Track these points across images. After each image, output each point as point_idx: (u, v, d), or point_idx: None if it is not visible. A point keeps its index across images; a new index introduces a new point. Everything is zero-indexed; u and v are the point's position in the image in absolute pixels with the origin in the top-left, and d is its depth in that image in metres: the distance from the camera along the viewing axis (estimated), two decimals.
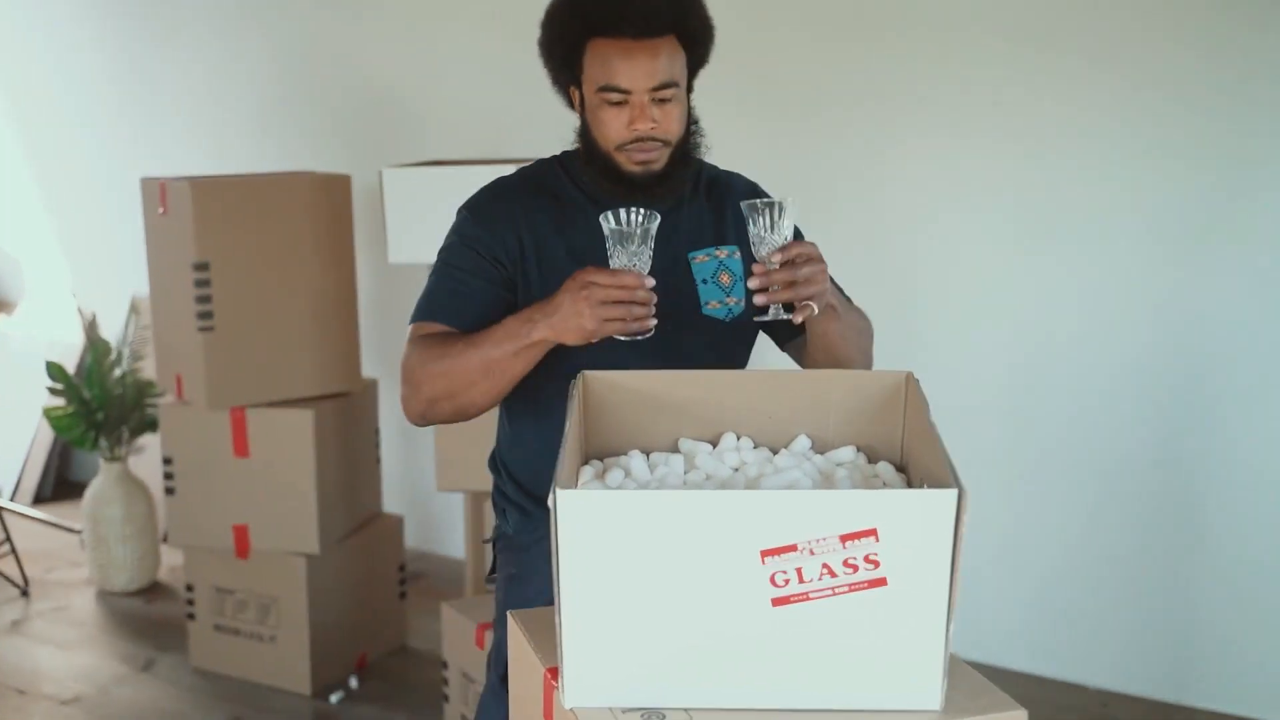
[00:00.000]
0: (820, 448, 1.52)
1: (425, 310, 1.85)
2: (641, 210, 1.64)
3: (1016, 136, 3.10)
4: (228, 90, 4.33)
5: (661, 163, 1.81)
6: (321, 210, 3.25)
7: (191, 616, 3.40)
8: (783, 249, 1.63)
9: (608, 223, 1.63)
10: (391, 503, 3.85)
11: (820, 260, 1.65)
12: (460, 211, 1.92)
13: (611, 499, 1.21)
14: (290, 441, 3.19)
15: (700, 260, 1.91)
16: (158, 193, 3.17)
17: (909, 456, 1.45)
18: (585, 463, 1.50)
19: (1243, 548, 3.02)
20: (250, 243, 3.14)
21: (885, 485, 1.41)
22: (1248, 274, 2.91)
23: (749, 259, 1.80)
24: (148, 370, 3.94)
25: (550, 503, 1.21)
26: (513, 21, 3.72)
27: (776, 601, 1.21)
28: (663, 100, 1.76)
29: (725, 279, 1.90)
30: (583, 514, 1.20)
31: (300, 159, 3.98)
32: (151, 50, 4.50)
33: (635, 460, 1.47)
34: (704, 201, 1.94)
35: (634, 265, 1.62)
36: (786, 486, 1.36)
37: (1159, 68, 2.92)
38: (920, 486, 1.36)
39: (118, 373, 3.91)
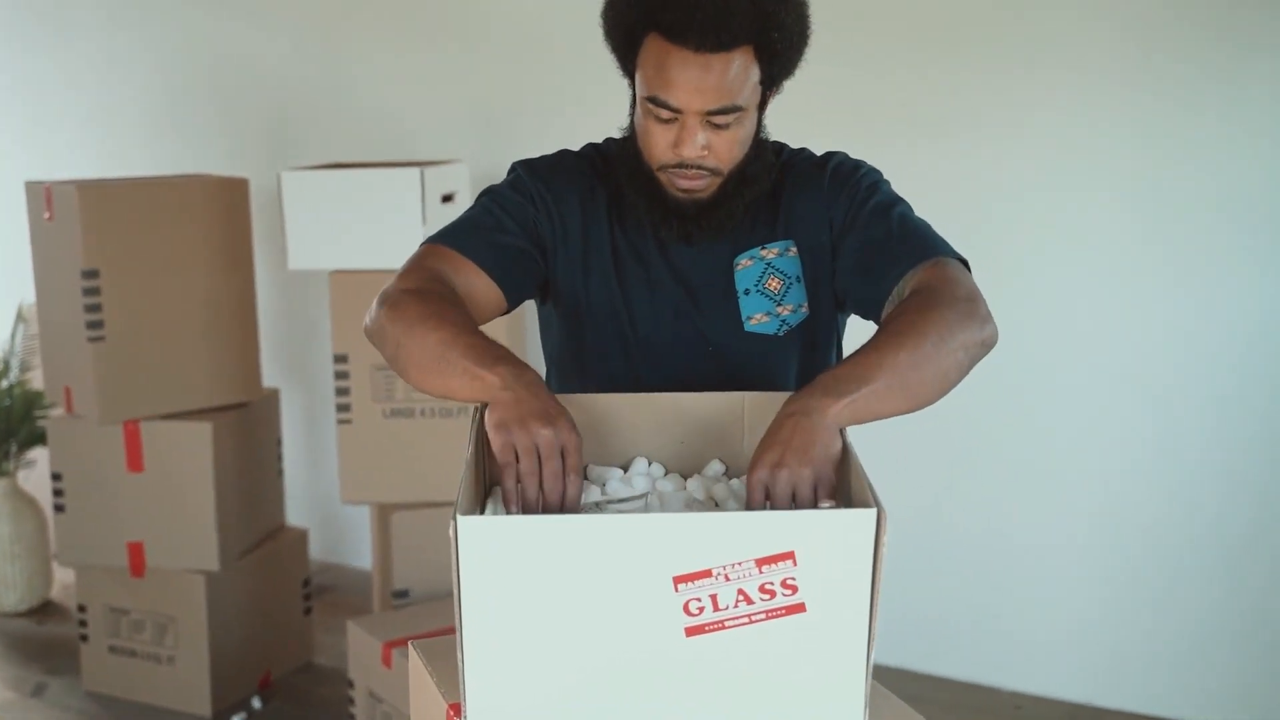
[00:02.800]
0: (734, 472, 1.47)
1: (450, 235, 1.57)
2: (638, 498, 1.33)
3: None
4: (117, 91, 4.17)
5: (709, 191, 1.53)
6: (218, 215, 3.14)
7: (84, 638, 3.27)
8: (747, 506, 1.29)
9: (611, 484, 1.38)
10: (295, 515, 3.74)
11: (776, 467, 1.25)
12: (515, 167, 1.67)
13: (515, 526, 1.14)
14: (187, 455, 3.07)
15: (743, 266, 1.61)
16: (43, 197, 3.03)
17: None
18: (489, 492, 1.43)
19: (1155, 548, 3.04)
20: (142, 249, 3.02)
21: None
22: None
23: (812, 252, 1.59)
24: (37, 381, 3.79)
25: (450, 532, 1.14)
26: (413, 20, 3.66)
27: (690, 631, 1.16)
28: (719, 126, 1.47)
29: (774, 284, 1.61)
30: (486, 542, 1.14)
31: (195, 162, 3.85)
32: (35, 50, 4.33)
33: None
34: (765, 199, 1.62)
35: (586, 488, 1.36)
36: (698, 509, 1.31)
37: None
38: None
39: (4, 384, 3.75)
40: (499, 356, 1.36)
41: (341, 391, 3.05)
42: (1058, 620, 3.18)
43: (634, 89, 1.53)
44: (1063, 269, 3.03)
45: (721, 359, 1.61)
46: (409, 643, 1.45)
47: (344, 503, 3.12)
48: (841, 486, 1.28)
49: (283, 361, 3.88)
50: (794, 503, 1.25)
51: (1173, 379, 2.97)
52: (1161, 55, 2.86)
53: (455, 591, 1.16)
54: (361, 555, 3.99)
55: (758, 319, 1.61)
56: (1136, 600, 3.09)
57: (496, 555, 1.14)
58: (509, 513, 1.28)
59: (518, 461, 1.28)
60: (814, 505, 1.25)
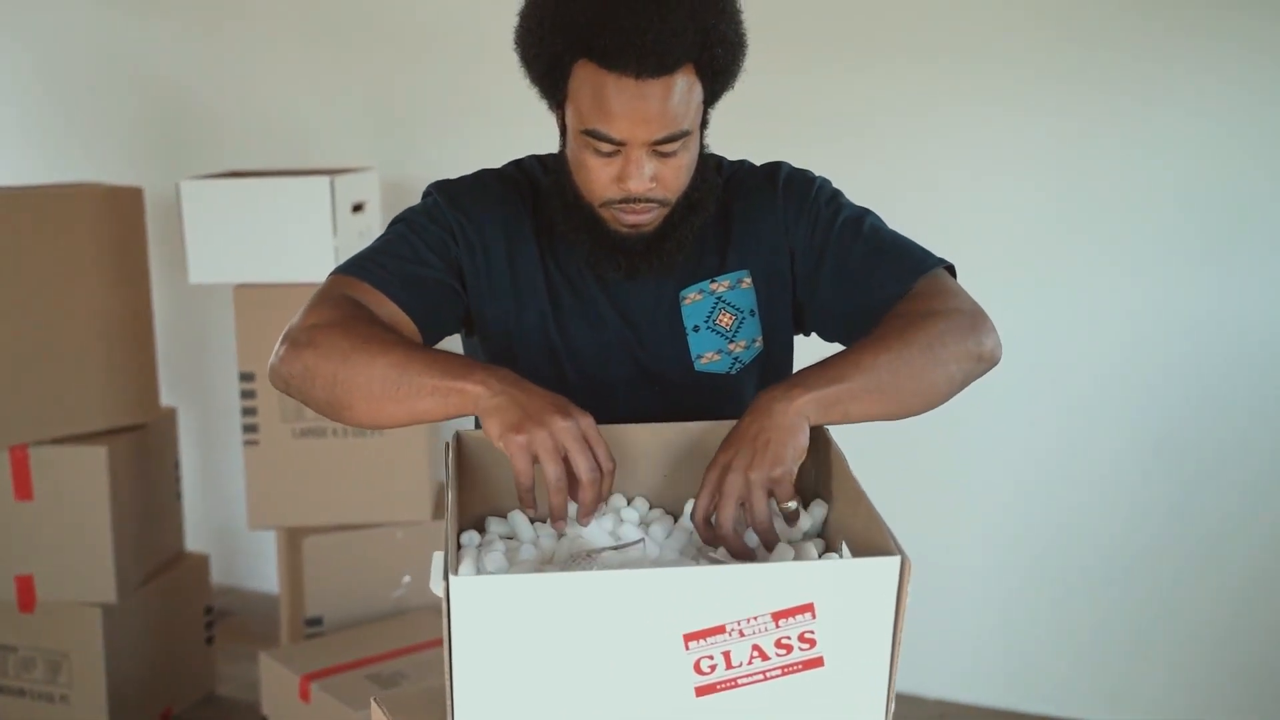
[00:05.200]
0: None
1: (360, 267, 1.42)
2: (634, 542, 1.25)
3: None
4: None
5: (657, 223, 1.41)
6: (109, 226, 2.96)
7: None
8: (703, 531, 1.25)
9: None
10: (194, 539, 3.56)
11: (726, 470, 1.22)
12: (431, 191, 1.52)
13: (513, 585, 1.05)
14: (80, 481, 2.89)
15: (691, 300, 1.50)
16: None
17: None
18: (462, 530, 1.33)
19: (1069, 553, 3.06)
20: (28, 263, 2.82)
21: (803, 534, 1.28)
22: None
23: (769, 281, 1.50)
24: None
25: (441, 591, 1.04)
26: (313, 18, 3.51)
27: (701, 691, 1.08)
28: (666, 154, 1.35)
29: (726, 320, 1.50)
30: (482, 603, 1.04)
31: (82, 170, 3.64)
32: None
33: (522, 525, 1.31)
34: (711, 217, 1.50)
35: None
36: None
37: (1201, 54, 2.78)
38: (839, 547, 1.25)
39: None
40: (467, 364, 1.26)
41: (248, 411, 2.91)
42: (978, 627, 3.18)
43: (563, 121, 1.42)
44: (976, 268, 2.99)
45: (670, 399, 1.51)
46: (371, 699, 1.35)
47: (251, 529, 2.98)
48: (848, 528, 1.21)
49: (180, 379, 3.70)
50: (744, 508, 1.22)
51: (1084, 383, 2.97)
52: (1078, 43, 2.83)
53: (446, 656, 1.07)
54: (262, 577, 3.83)
55: (709, 358, 1.51)
56: (1053, 605, 3.10)
57: (493, 616, 1.05)
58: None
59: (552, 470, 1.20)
60: (766, 511, 1.21)
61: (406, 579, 3.01)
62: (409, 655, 2.71)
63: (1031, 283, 2.96)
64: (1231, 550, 2.93)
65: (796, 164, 1.58)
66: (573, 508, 1.24)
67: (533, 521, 1.31)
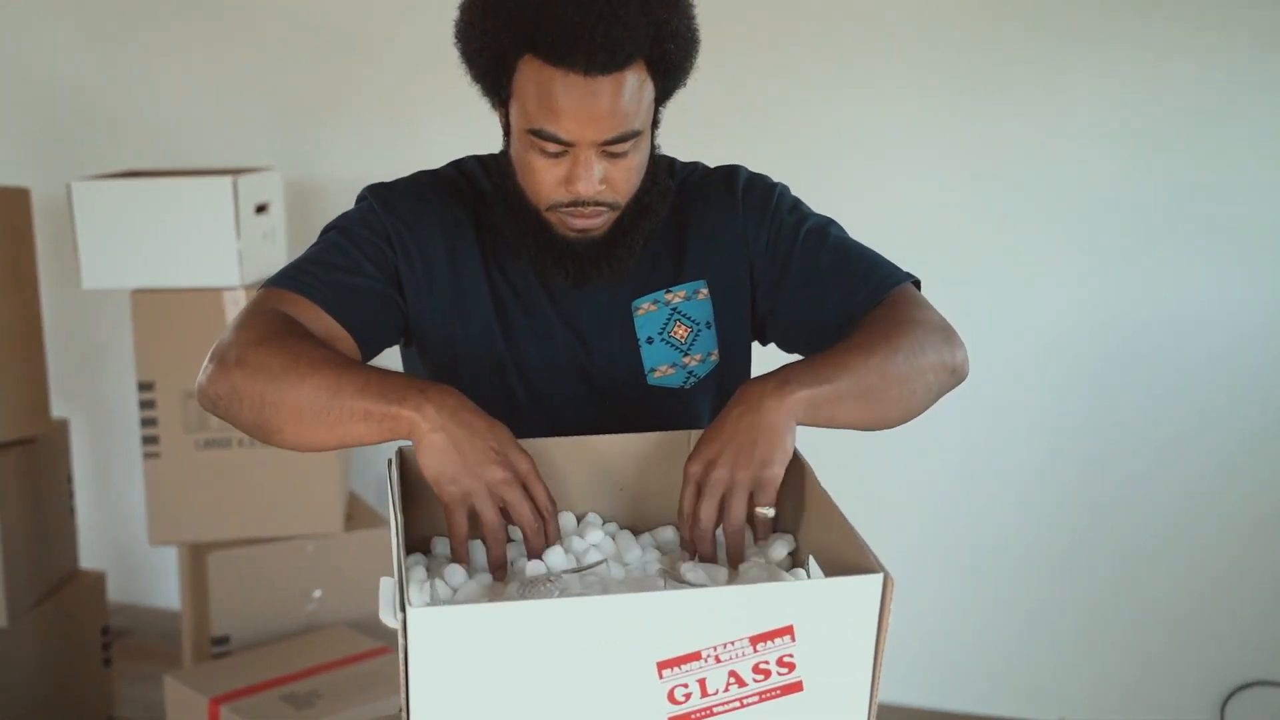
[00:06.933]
0: None
1: (292, 279, 1.34)
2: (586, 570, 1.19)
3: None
4: None
5: (606, 228, 1.34)
6: None
7: None
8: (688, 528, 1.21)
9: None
10: (89, 556, 3.40)
11: (710, 465, 1.20)
12: (366, 195, 1.44)
13: (476, 615, 0.98)
14: None
15: (645, 311, 1.44)
16: None
17: (792, 529, 1.28)
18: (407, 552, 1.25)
19: (992, 554, 3.06)
20: None
21: (770, 561, 1.23)
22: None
23: (726, 292, 1.45)
24: None
25: (398, 623, 0.97)
26: (204, 10, 3.36)
27: None
28: (616, 155, 1.29)
29: (681, 332, 1.44)
30: (442, 636, 0.97)
31: None
32: None
33: (473, 548, 1.23)
34: (664, 227, 1.45)
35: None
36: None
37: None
38: (806, 563, 1.20)
39: None
40: (403, 386, 1.18)
41: (147, 422, 2.78)
42: (903, 629, 3.14)
43: (507, 119, 1.34)
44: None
45: (621, 413, 1.45)
46: None
47: (153, 545, 2.85)
48: (820, 543, 1.16)
49: (72, 389, 3.53)
50: (723, 509, 1.20)
51: (1006, 385, 2.97)
52: (991, 22, 2.81)
53: (403, 692, 0.99)
54: (161, 593, 3.67)
55: (662, 371, 1.45)
56: (976, 605, 3.11)
57: (454, 649, 0.98)
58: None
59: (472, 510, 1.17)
60: (743, 513, 1.19)
61: (318, 594, 2.90)
62: (324, 674, 2.61)
63: (948, 280, 2.94)
64: (1154, 552, 2.96)
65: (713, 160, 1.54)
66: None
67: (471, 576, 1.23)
